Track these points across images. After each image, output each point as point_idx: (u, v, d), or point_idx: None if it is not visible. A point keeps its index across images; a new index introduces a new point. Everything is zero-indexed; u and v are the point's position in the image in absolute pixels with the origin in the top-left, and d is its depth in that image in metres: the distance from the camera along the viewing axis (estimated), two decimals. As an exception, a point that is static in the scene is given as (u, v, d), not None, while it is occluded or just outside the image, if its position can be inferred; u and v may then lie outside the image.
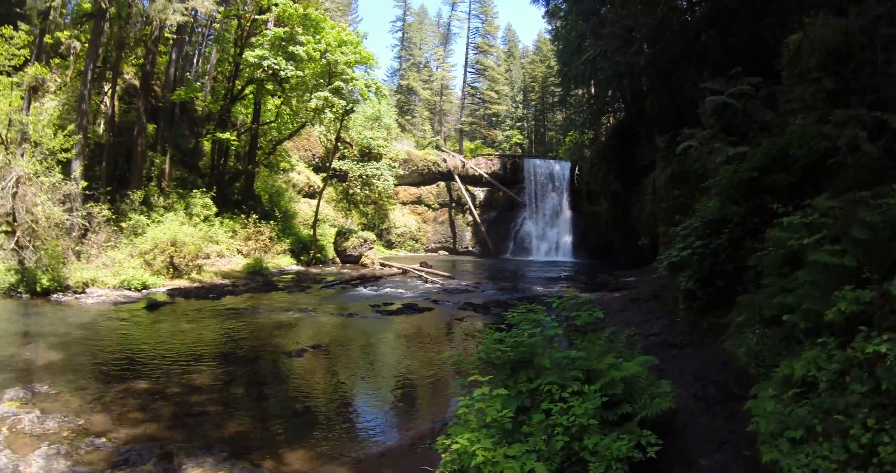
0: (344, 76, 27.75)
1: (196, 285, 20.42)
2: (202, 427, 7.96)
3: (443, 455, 5.42)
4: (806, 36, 9.82)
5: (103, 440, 7.32)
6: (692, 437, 5.93)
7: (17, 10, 22.92)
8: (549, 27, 51.92)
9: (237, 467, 6.59)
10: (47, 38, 25.10)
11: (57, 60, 26.85)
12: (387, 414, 9.23)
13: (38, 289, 16.86)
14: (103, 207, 20.57)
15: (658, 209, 23.59)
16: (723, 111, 17.70)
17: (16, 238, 17.03)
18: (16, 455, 6.76)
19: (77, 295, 17.36)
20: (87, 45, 23.36)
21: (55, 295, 17.05)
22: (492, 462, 4.86)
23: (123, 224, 21.61)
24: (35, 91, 23.63)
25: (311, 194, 37.41)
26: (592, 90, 37.79)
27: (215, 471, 6.36)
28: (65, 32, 25.73)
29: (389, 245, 40.37)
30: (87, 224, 19.86)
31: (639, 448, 5.07)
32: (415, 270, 26.88)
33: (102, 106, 26.62)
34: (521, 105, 68.87)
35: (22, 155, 17.78)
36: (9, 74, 19.13)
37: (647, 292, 16.35)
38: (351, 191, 40.23)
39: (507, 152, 56.25)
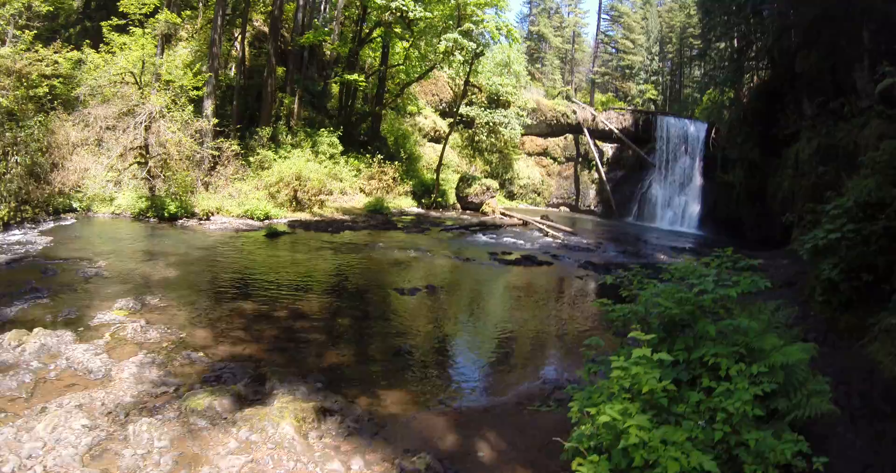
0: (474, 18, 26.75)
1: (317, 218, 20.69)
2: (301, 354, 7.71)
3: (579, 427, 4.50)
4: None
5: (200, 354, 7.23)
6: (835, 452, 4.86)
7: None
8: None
9: (330, 400, 6.19)
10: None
11: (188, 12, 27.72)
12: (493, 367, 8.52)
13: (166, 214, 17.74)
14: (232, 142, 21.29)
15: (798, 186, 21.20)
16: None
17: (147, 168, 17.78)
18: (111, 359, 6.76)
19: (202, 222, 18.11)
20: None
21: (181, 221, 17.85)
22: (647, 446, 3.89)
23: (251, 159, 22.23)
24: (168, 39, 24.61)
25: (437, 138, 37.05)
26: (736, 43, 34.55)
27: (307, 401, 5.94)
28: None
29: (511, 196, 39.49)
30: (216, 158, 20.57)
31: (800, 456, 4.06)
32: (536, 222, 25.94)
33: (233, 51, 27.33)
34: (656, 57, 64.54)
35: (154, 92, 18.46)
36: (140, 23, 19.74)
37: (778, 278, 14.58)
38: (476, 138, 39.47)
39: (640, 108, 53.15)
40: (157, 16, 20.66)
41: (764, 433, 4.13)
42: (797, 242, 9.72)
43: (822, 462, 3.95)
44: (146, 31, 19.78)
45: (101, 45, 19.65)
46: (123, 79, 18.66)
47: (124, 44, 19.12)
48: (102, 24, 19.78)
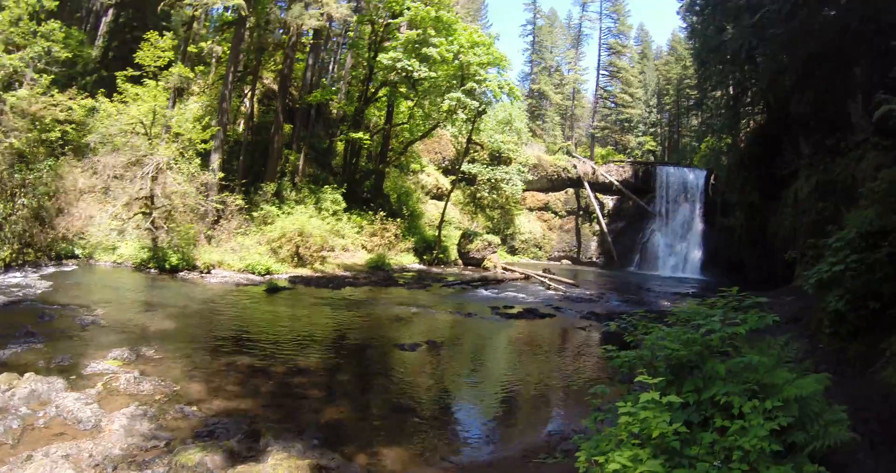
0: (476, 77, 27.43)
1: (318, 274, 20.69)
2: (298, 410, 7.58)
3: None
4: None
5: (193, 408, 7.12)
6: None
7: (164, 23, 24.44)
8: (684, 25, 49.52)
9: (326, 457, 6.05)
10: (191, 48, 26.77)
11: (201, 67, 28.61)
12: (496, 421, 8.37)
13: (167, 266, 17.85)
14: (237, 197, 21.58)
15: (800, 224, 21.39)
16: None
17: (152, 219, 18.00)
18: (102, 410, 6.69)
19: (202, 275, 18.17)
20: (228, 51, 24.57)
21: (182, 273, 17.92)
22: None
23: (255, 214, 22.49)
24: (180, 93, 25.29)
25: (439, 195, 37.47)
26: (731, 91, 35.32)
27: (302, 458, 5.80)
28: (206, 42, 27.30)
29: (513, 251, 39.60)
30: (220, 211, 20.82)
31: None
32: (538, 276, 25.96)
33: (242, 107, 28.03)
34: (654, 109, 65.90)
35: (162, 144, 18.84)
36: (154, 75, 20.34)
37: (784, 315, 14.54)
38: (478, 194, 39.92)
39: (639, 159, 53.90)
40: (170, 69, 21.22)
41: (783, 467, 4.02)
42: (801, 277, 9.75)
43: None
44: (159, 83, 20.30)
45: (115, 94, 20.19)
46: (134, 129, 19.07)
47: (137, 94, 19.62)
48: (118, 74, 20.33)
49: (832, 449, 4.58)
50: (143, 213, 18.45)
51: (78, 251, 17.93)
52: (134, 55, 20.73)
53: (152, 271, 17.81)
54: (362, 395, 8.73)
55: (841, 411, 4.83)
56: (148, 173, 17.88)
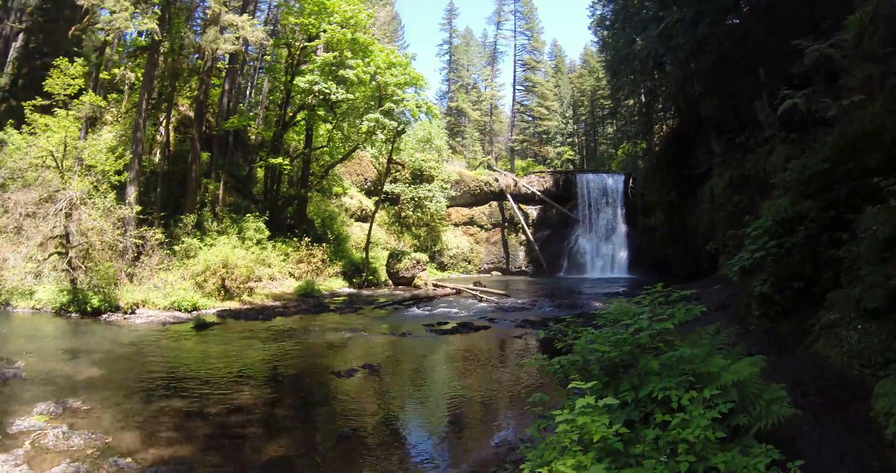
0: (394, 97, 27.66)
1: (246, 306, 20.22)
2: (239, 451, 7.39)
3: None
4: (875, 9, 8.98)
5: (128, 460, 6.84)
6: (807, 450, 5.00)
7: (76, 49, 23.59)
8: (596, 39, 51.68)
9: (275, 496, 5.92)
10: (104, 74, 25.86)
11: (114, 95, 27.69)
12: (442, 439, 8.40)
13: (89, 309, 16.97)
14: (157, 231, 20.79)
15: (718, 218, 22.65)
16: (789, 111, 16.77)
17: (68, 259, 17.18)
18: (32, 471, 6.39)
19: (127, 316, 17.36)
20: (141, 77, 23.94)
21: (105, 315, 17.09)
22: None
23: (176, 247, 21.71)
24: (93, 123, 24.36)
25: (364, 217, 37.39)
26: (643, 98, 37.04)
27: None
28: (119, 69, 26.48)
29: (442, 267, 39.91)
30: (140, 247, 20.05)
31: (774, 466, 4.08)
32: (469, 289, 26.24)
33: (158, 136, 27.20)
34: (570, 121, 68.23)
35: (74, 177, 18.07)
36: (65, 104, 19.53)
37: (712, 304, 15.37)
38: (403, 214, 40.09)
39: (559, 169, 55.45)
40: (81, 97, 20.36)
41: (731, 452, 4.10)
42: (725, 267, 10.35)
43: (797, 466, 3.98)
44: (70, 112, 19.44)
45: (23, 125, 19.22)
46: (44, 162, 18.18)
47: (47, 125, 18.69)
48: (25, 104, 19.40)
49: (777, 427, 4.76)
50: (59, 253, 17.52)
51: (-8, 298, 16.93)
52: (44, 83, 19.83)
53: (73, 315, 16.89)
54: (304, 428, 8.58)
55: (780, 389, 5.08)
56: (61, 210, 17.01)
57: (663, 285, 6.66)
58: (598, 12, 43.70)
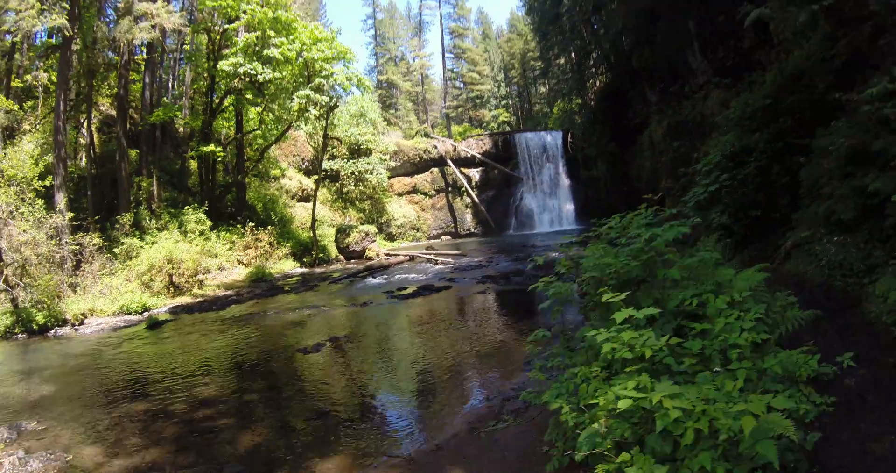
0: (323, 73, 27.01)
1: (199, 300, 19.75)
2: (212, 446, 7.11)
3: (586, 426, 3.61)
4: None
5: None
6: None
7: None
8: (520, 3, 51.62)
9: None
10: (15, 82, 24.48)
11: (30, 103, 26.30)
12: (427, 402, 8.20)
13: (35, 327, 16.10)
14: (93, 236, 19.98)
15: (659, 163, 23.18)
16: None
17: (4, 277, 16.37)
18: (-12, 508, 6.02)
19: (76, 327, 16.67)
20: (56, 78, 22.76)
21: (53, 331, 16.29)
22: (692, 415, 3.08)
23: (116, 250, 20.96)
24: (10, 134, 23.09)
25: (306, 197, 36.84)
26: (574, 57, 37.33)
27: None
28: (32, 74, 25.11)
29: (391, 238, 39.79)
30: (79, 255, 19.27)
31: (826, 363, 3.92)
32: (422, 254, 26.33)
33: (81, 138, 26.05)
34: (503, 84, 68.24)
35: None
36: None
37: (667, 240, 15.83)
38: (345, 189, 39.69)
39: (497, 131, 55.55)
40: None
41: (783, 353, 3.86)
42: (679, 204, 10.65)
43: (848, 359, 3.95)
44: None
45: None
46: None
47: None
48: None
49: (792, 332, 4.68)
50: (-7, 272, 16.74)
51: (-71, 329, 15.93)
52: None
53: (20, 336, 15.96)
54: (278, 411, 8.42)
55: (787, 294, 5.02)
56: (-13, 226, 16.20)
57: (646, 207, 6.17)
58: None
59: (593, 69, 35.44)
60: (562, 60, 40.89)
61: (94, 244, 19.77)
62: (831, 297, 5.76)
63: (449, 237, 41.60)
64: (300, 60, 26.88)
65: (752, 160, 8.66)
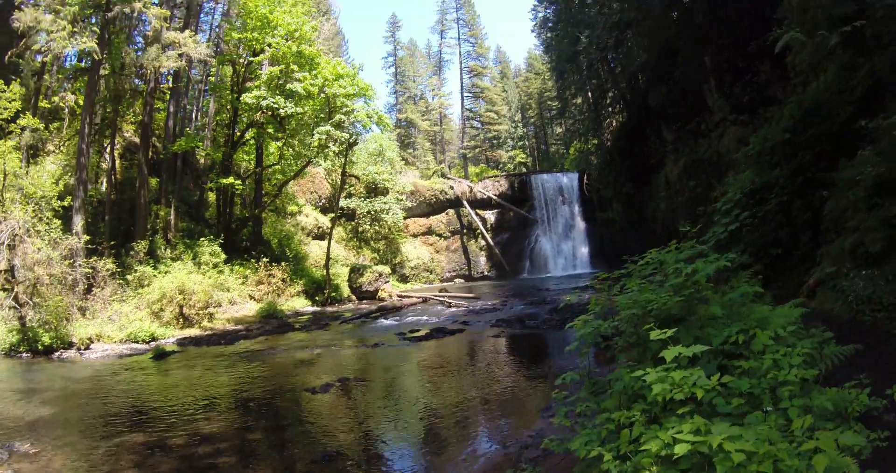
0: (344, 109, 27.24)
1: (208, 333, 19.49)
2: None
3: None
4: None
5: None
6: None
7: (13, 76, 22.49)
8: (539, 42, 52.42)
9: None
10: (43, 103, 24.80)
11: (56, 125, 26.65)
12: (439, 449, 7.78)
13: (40, 347, 16.11)
14: (107, 261, 19.94)
15: (675, 204, 22.94)
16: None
17: (14, 294, 16.27)
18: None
19: (81, 351, 16.56)
20: (82, 101, 23.07)
21: (58, 353, 16.24)
22: (753, 459, 2.73)
23: (129, 277, 20.89)
24: (35, 154, 23.28)
25: (321, 235, 36.77)
26: (590, 96, 37.62)
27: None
28: (59, 95, 25.47)
29: (404, 279, 39.49)
30: (91, 279, 19.20)
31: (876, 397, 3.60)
32: (436, 296, 26.00)
33: (103, 163, 26.24)
34: (520, 124, 68.89)
35: (17, 206, 17.17)
36: (1, 129, 18.54)
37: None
38: (360, 228, 39.63)
39: (513, 172, 55.71)
40: (18, 121, 19.30)
41: (832, 390, 3.56)
42: (701, 242, 10.37)
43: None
44: (9, 143, 18.39)
45: None
46: None
47: None
48: None
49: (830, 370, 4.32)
50: (5, 289, 16.63)
51: (-63, 343, 15.90)
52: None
53: (24, 355, 15.93)
54: (281, 452, 7.99)
55: (822, 330, 4.68)
56: (3, 242, 16.14)
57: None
58: (541, 14, 44.44)
59: (610, 108, 35.65)
60: (579, 100, 41.23)
61: (108, 269, 19.74)
62: (861, 332, 5.53)
63: (462, 280, 41.26)
64: (322, 95, 27.12)
65: (773, 197, 8.51)
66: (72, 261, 18.32)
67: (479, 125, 68.81)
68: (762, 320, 4.23)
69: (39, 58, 23.45)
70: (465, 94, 67.75)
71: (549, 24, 40.10)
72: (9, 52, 21.78)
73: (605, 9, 25.70)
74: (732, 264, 5.07)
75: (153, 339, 18.03)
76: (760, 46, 17.85)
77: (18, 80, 20.54)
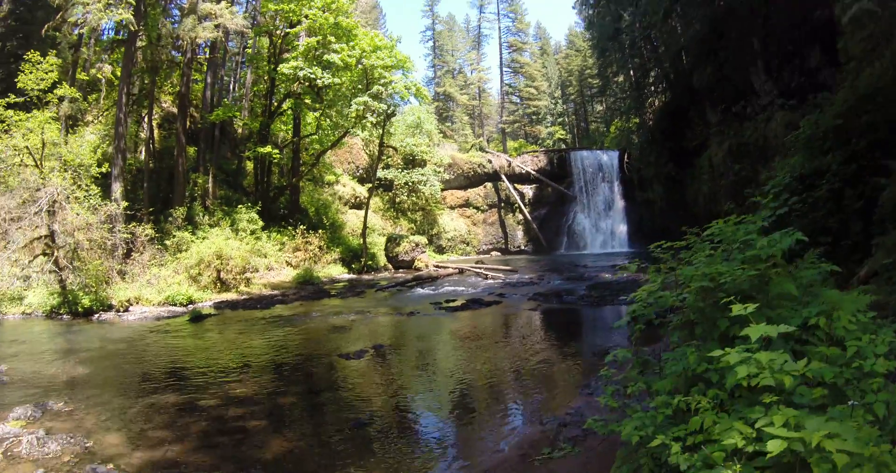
0: (381, 81, 26.92)
1: (244, 297, 19.58)
2: (239, 448, 6.55)
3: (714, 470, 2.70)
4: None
5: (109, 466, 6.02)
6: None
7: (51, 49, 22.66)
8: (579, 19, 51.21)
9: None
10: (81, 75, 24.96)
11: (94, 96, 26.92)
12: (473, 422, 7.42)
13: (80, 309, 16.32)
14: (146, 226, 20.20)
15: (718, 187, 22.29)
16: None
17: (54, 258, 16.50)
18: (-4, 485, 5.60)
19: (120, 314, 16.75)
20: (119, 72, 23.19)
21: (97, 315, 16.45)
22: (855, 459, 2.31)
23: (167, 242, 21.12)
24: (74, 123, 23.53)
25: (358, 204, 36.74)
26: (632, 74, 36.67)
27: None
28: (97, 66, 25.63)
29: (440, 250, 39.33)
30: (130, 244, 19.45)
31: None
32: (472, 268, 25.75)
33: (142, 133, 26.46)
34: (559, 101, 67.63)
35: (55, 173, 17.35)
36: (39, 100, 18.71)
37: None
38: (398, 199, 39.49)
39: (552, 148, 54.84)
40: (56, 91, 19.45)
41: None
42: None
43: None
44: (47, 113, 18.59)
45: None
46: (23, 161, 17.45)
47: (19, 120, 17.81)
48: None
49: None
50: (45, 254, 16.87)
51: (-20, 306, 16.29)
52: (16, 80, 18.98)
53: (65, 317, 16.19)
54: (312, 417, 7.84)
55: (891, 320, 4.09)
56: (43, 208, 16.32)
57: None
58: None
59: (652, 88, 34.72)
60: (620, 78, 40.22)
61: (146, 235, 19.99)
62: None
63: (499, 253, 40.93)
64: (359, 66, 26.84)
65: (824, 183, 8.07)
66: (111, 226, 18.54)
67: (518, 100, 67.83)
68: (835, 304, 3.69)
69: (76, 30, 23.53)
70: (504, 68, 66.70)
71: (591, 1, 39.09)
72: (46, 26, 21.94)
73: None
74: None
75: (190, 302, 18.16)
76: (810, 30, 17.18)
77: (55, 52, 20.64)
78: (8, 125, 17.86)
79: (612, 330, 11.85)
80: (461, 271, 25.80)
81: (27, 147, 17.31)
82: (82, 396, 8.62)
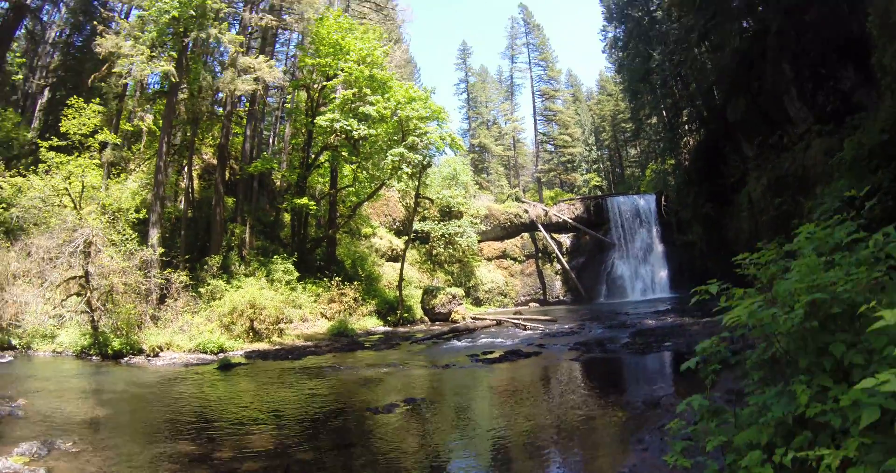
0: (417, 131, 27.04)
1: (276, 347, 19.13)
2: None
3: None
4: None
5: None
6: None
7: (98, 99, 23.46)
8: (609, 64, 51.60)
9: None
10: (124, 124, 25.62)
11: (137, 145, 27.58)
12: None
13: (110, 352, 16.35)
14: (181, 273, 20.26)
15: (759, 223, 21.58)
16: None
17: (86, 299, 16.58)
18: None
19: (149, 358, 16.59)
20: (161, 121, 23.79)
21: (127, 358, 16.37)
22: None
23: (202, 290, 21.10)
24: (119, 173, 24.15)
25: (394, 257, 36.52)
26: (665, 115, 36.45)
27: None
28: (140, 115, 26.42)
29: (478, 302, 38.67)
30: (164, 289, 19.56)
31: None
32: (510, 319, 25.12)
33: (182, 182, 26.90)
34: (594, 147, 67.77)
35: (90, 215, 17.62)
36: (81, 144, 19.19)
37: None
38: (434, 251, 39.22)
39: (588, 195, 54.43)
40: (96, 136, 19.96)
41: None
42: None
43: None
44: (90, 160, 19.09)
45: (40, 164, 19.09)
46: (61, 201, 17.70)
47: (60, 163, 18.27)
48: (40, 142, 19.11)
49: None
50: (79, 294, 16.94)
51: (14, 341, 16.42)
52: (60, 125, 19.64)
53: (94, 358, 16.18)
54: None
55: None
56: (78, 248, 16.44)
57: (713, 298, 4.59)
58: (610, 34, 43.78)
59: (686, 127, 34.39)
60: (653, 120, 40.03)
61: (181, 282, 20.03)
62: None
63: (537, 304, 40.12)
64: (395, 118, 27.03)
65: (877, 203, 7.40)
66: (146, 272, 18.64)
67: (552, 149, 67.90)
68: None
69: (121, 81, 24.33)
70: (537, 117, 67.05)
71: (620, 44, 39.47)
72: (92, 76, 22.70)
73: (676, 23, 24.82)
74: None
75: (221, 350, 17.86)
76: (843, 46, 16.74)
77: (98, 100, 21.30)
78: (49, 166, 18.32)
79: (660, 379, 11.14)
80: (499, 323, 25.13)
81: (66, 188, 17.59)
82: (94, 438, 8.28)
